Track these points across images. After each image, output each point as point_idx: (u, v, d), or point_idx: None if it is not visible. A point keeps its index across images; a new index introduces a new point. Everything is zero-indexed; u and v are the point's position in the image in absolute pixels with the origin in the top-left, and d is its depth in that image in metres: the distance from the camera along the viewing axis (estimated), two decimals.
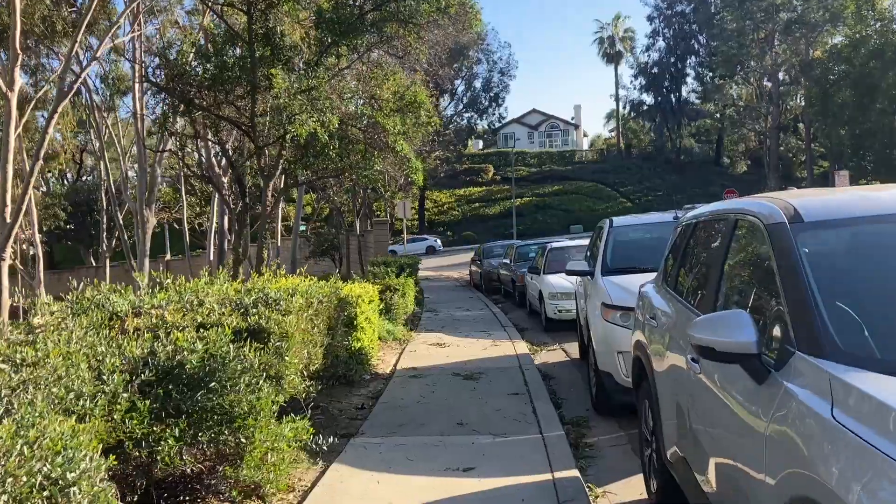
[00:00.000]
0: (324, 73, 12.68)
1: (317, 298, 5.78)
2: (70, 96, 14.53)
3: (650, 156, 76.72)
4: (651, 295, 4.87)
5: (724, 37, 41.15)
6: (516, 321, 14.75)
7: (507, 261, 20.11)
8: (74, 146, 45.40)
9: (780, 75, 38.19)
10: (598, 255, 8.24)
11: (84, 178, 51.79)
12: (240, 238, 12.56)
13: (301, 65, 12.71)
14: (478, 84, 63.18)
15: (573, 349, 10.85)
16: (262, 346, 4.60)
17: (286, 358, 4.69)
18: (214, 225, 28.35)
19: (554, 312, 12.60)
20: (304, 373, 5.50)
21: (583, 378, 8.93)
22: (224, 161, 14.92)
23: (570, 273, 8.50)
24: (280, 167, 12.84)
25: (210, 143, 14.23)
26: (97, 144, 28.34)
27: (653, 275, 7.15)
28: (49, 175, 43.93)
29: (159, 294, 5.32)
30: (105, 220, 36.13)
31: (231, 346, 4.34)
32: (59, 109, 13.98)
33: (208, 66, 12.49)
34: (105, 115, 27.13)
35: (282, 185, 14.48)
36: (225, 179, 17.49)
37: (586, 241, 16.27)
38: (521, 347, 10.95)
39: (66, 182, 53.74)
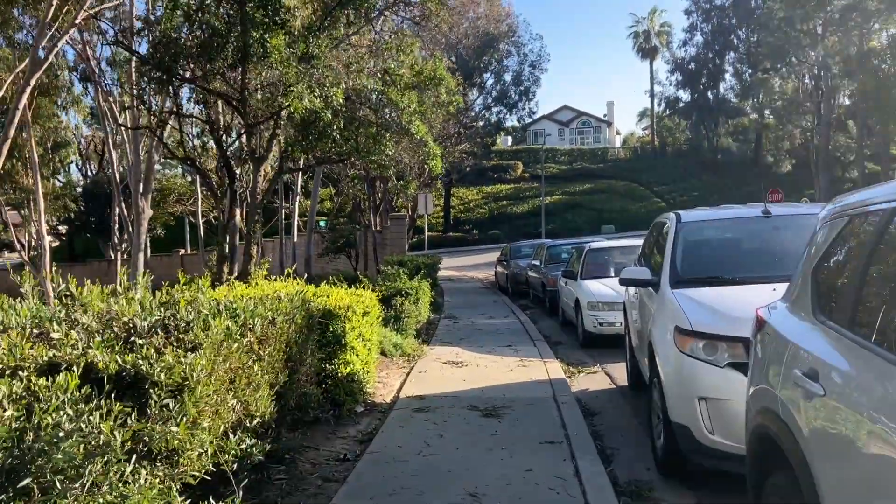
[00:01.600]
0: (327, 41, 10.84)
1: (264, 318, 3.91)
2: (44, 68, 12.87)
3: (685, 155, 74.12)
4: (793, 331, 2.91)
5: (771, 27, 38.59)
6: (547, 333, 12.80)
7: (537, 262, 18.12)
8: (99, 137, 44.36)
9: (832, 68, 35.48)
10: (661, 259, 6.28)
11: (107, 170, 50.65)
12: (225, 231, 10.80)
13: (301, 30, 10.88)
14: (507, 77, 60.90)
15: (619, 372, 8.89)
16: (139, 403, 2.75)
17: (184, 422, 2.83)
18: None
19: (593, 325, 10.62)
20: (242, 426, 3.65)
21: (635, 413, 6.99)
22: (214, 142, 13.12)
23: (627, 283, 6.52)
24: (274, 149, 11.04)
25: (197, 120, 12.49)
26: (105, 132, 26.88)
27: (748, 290, 5.21)
28: (64, 165, 42.72)
29: (22, 310, 3.50)
30: (116, 211, 34.88)
31: (82, 405, 2.52)
32: (33, 82, 12.39)
33: (196, 31, 10.72)
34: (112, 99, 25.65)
35: (278, 170, 12.67)
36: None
37: (631, 242, 14.25)
38: (555, 369, 9.00)
39: (90, 173, 52.83)
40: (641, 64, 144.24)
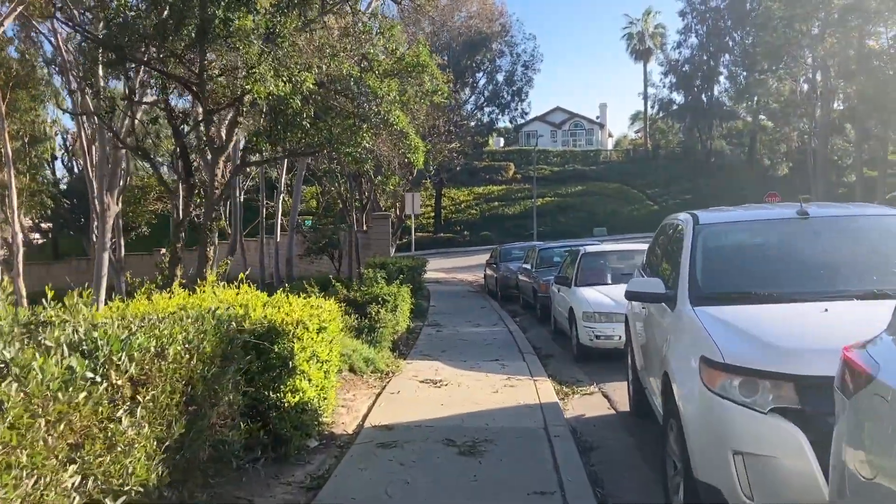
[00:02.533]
0: (296, 20, 9.73)
1: (143, 350, 2.81)
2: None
3: (678, 157, 73.43)
4: None
5: (770, 27, 37.75)
6: (538, 343, 11.74)
7: (528, 266, 17.06)
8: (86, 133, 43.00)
9: (831, 70, 34.63)
10: (672, 269, 5.23)
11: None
12: (179, 229, 9.66)
13: (269, 7, 9.76)
14: (500, 77, 60.08)
15: (619, 394, 7.84)
16: None
17: None
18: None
19: (589, 339, 9.55)
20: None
21: (639, 447, 5.96)
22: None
23: (635, 297, 5.44)
24: (235, 138, 9.92)
25: (154, 106, 11.35)
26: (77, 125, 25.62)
27: (792, 309, 4.15)
28: (42, 160, 41.29)
29: None
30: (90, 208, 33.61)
31: None
32: None
33: (152, 8, 9.60)
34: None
35: (239, 163, 11.50)
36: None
37: (629, 246, 13.21)
38: (547, 390, 7.93)
39: (77, 170, 51.39)
40: (635, 66, 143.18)
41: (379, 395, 7.58)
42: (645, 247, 12.51)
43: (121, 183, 17.48)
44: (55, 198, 38.81)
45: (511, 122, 63.07)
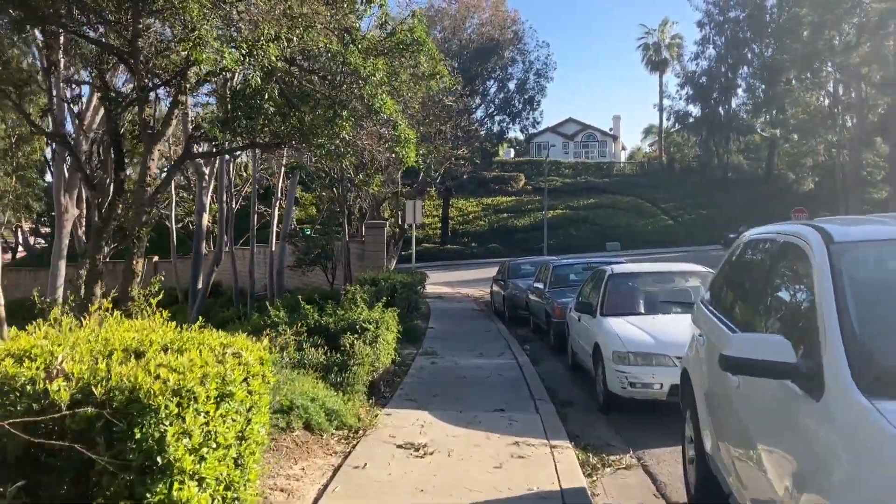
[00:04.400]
0: None
1: None
2: None
3: (694, 171, 71.40)
4: None
5: (798, 34, 35.66)
6: (553, 383, 9.62)
7: (540, 285, 14.93)
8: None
9: (867, 78, 32.43)
10: (793, 319, 3.14)
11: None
12: (100, 237, 7.64)
13: None
14: (511, 85, 58.12)
15: (666, 469, 5.78)
16: None
17: None
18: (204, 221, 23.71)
19: (621, 386, 7.43)
20: None
21: None
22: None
23: (744, 368, 3.27)
24: (175, 122, 7.93)
25: (77, 83, 9.35)
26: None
27: None
28: (30, 161, 39.50)
29: None
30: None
31: None
32: None
33: None
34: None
35: (182, 155, 9.42)
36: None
37: (662, 266, 11.14)
38: (568, 462, 5.83)
39: None
40: (650, 77, 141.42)
41: (337, 469, 5.49)
42: (687, 267, 10.42)
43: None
44: (40, 200, 36.96)
45: (522, 131, 61.02)
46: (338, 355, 7.87)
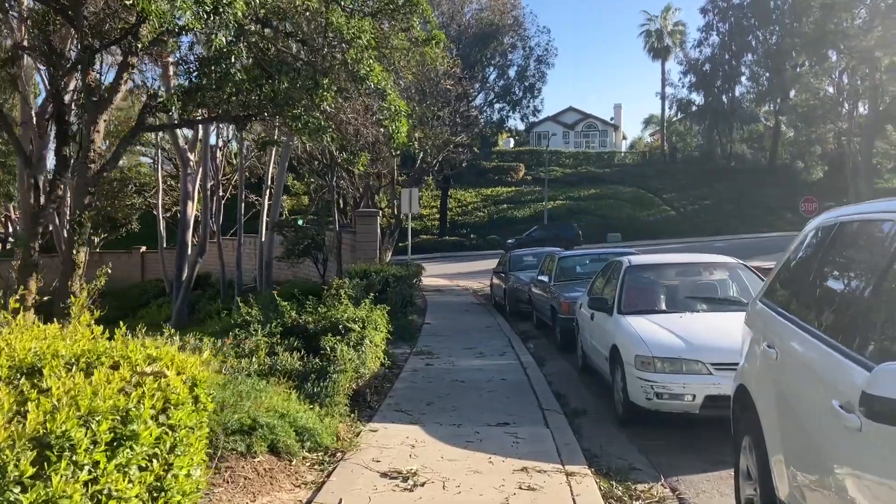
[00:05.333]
0: None
1: None
2: None
3: (696, 161, 70.38)
4: None
5: (808, 17, 34.49)
6: (562, 387, 8.58)
7: (544, 278, 13.84)
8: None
9: (882, 61, 31.25)
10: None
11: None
12: (35, 222, 6.56)
13: None
14: (511, 72, 56.87)
15: (706, 500, 4.72)
16: None
17: None
18: (192, 208, 22.60)
19: (646, 396, 6.36)
20: None
21: None
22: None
23: None
24: (124, 89, 6.84)
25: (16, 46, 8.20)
26: None
27: None
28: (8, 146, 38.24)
29: None
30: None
31: None
32: None
33: None
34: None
35: (134, 127, 8.28)
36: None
37: (681, 257, 10.09)
38: (589, 496, 4.78)
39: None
40: (652, 66, 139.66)
41: None
42: (714, 258, 9.35)
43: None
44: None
45: (522, 119, 59.76)
46: (317, 360, 6.82)
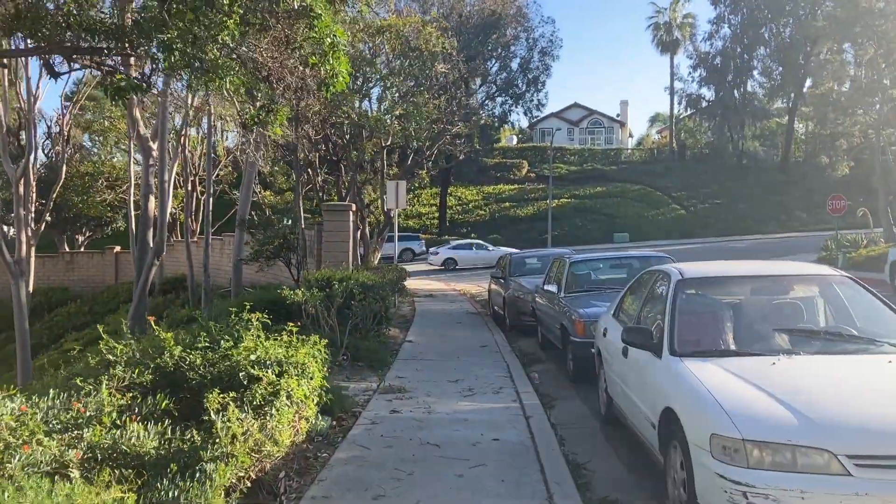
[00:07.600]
0: None
1: None
2: None
3: (706, 158, 67.71)
4: None
5: None
6: (581, 453, 5.94)
7: (553, 287, 11.17)
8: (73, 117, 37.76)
9: None
10: None
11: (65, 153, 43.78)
12: None
13: None
14: (514, 65, 54.26)
15: None
16: None
17: None
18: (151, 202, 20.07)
19: (728, 501, 3.72)
20: None
21: None
22: None
23: None
24: None
25: None
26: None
27: None
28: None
29: None
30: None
31: None
32: None
33: None
34: None
35: None
36: None
37: (762, 268, 7.33)
38: None
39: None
40: (660, 60, 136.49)
41: None
42: (802, 269, 6.65)
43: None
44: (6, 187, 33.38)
45: (526, 114, 57.22)
46: (192, 433, 4.19)
